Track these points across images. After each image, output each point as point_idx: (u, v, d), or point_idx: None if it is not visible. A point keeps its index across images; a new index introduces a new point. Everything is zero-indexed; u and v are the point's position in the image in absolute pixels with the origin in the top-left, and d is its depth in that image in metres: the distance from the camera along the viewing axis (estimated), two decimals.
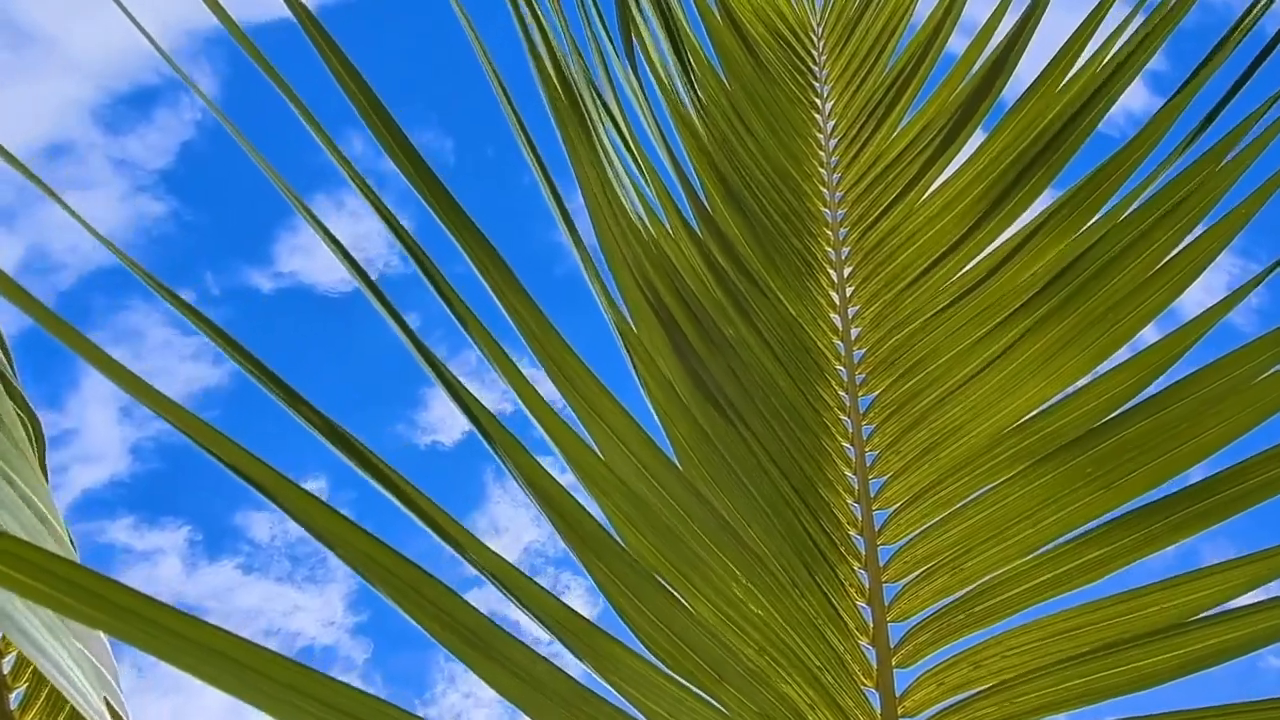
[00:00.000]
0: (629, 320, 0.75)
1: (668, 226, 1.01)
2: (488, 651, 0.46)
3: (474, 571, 0.49)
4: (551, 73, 0.73)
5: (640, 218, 0.94)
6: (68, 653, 0.62)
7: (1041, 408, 1.08)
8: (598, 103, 0.84)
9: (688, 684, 0.70)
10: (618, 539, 0.61)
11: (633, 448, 0.68)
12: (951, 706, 0.93)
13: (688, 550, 0.74)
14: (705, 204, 1.14)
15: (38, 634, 0.56)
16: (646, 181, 0.99)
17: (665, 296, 0.87)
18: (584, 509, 0.57)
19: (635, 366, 0.73)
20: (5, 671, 0.88)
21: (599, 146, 0.79)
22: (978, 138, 1.36)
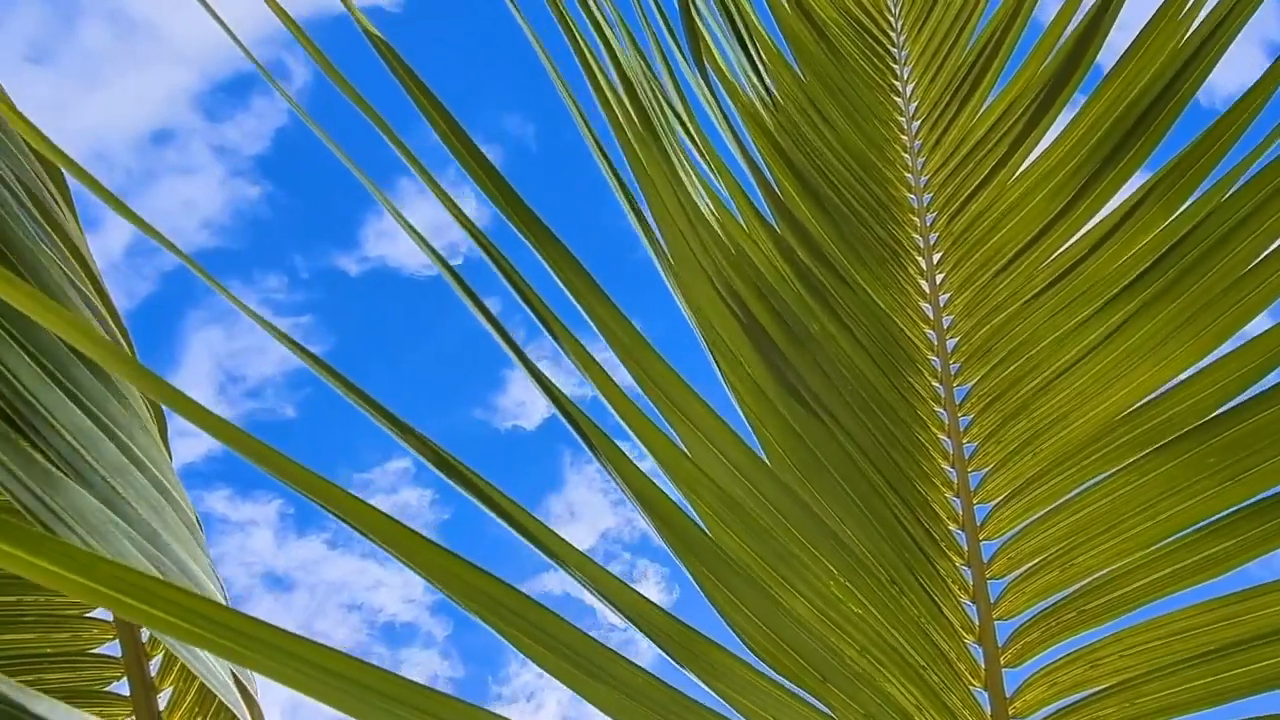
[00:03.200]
0: (710, 324, 0.75)
1: (744, 225, 1.00)
2: (585, 667, 0.46)
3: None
4: (610, 89, 0.73)
5: (716, 219, 0.93)
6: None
7: (1153, 395, 1.02)
8: (665, 110, 0.83)
9: (792, 686, 0.69)
10: (721, 546, 0.61)
11: (722, 448, 0.68)
12: (1066, 708, 0.89)
13: (782, 549, 0.74)
14: (782, 199, 1.12)
15: None
16: (720, 182, 0.98)
17: (746, 297, 0.87)
18: (685, 513, 0.57)
19: (719, 367, 0.72)
20: (152, 674, 0.94)
21: (668, 152, 0.79)
22: (1069, 112, 1.30)
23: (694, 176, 0.83)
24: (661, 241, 0.71)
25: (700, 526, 0.61)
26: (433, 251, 0.52)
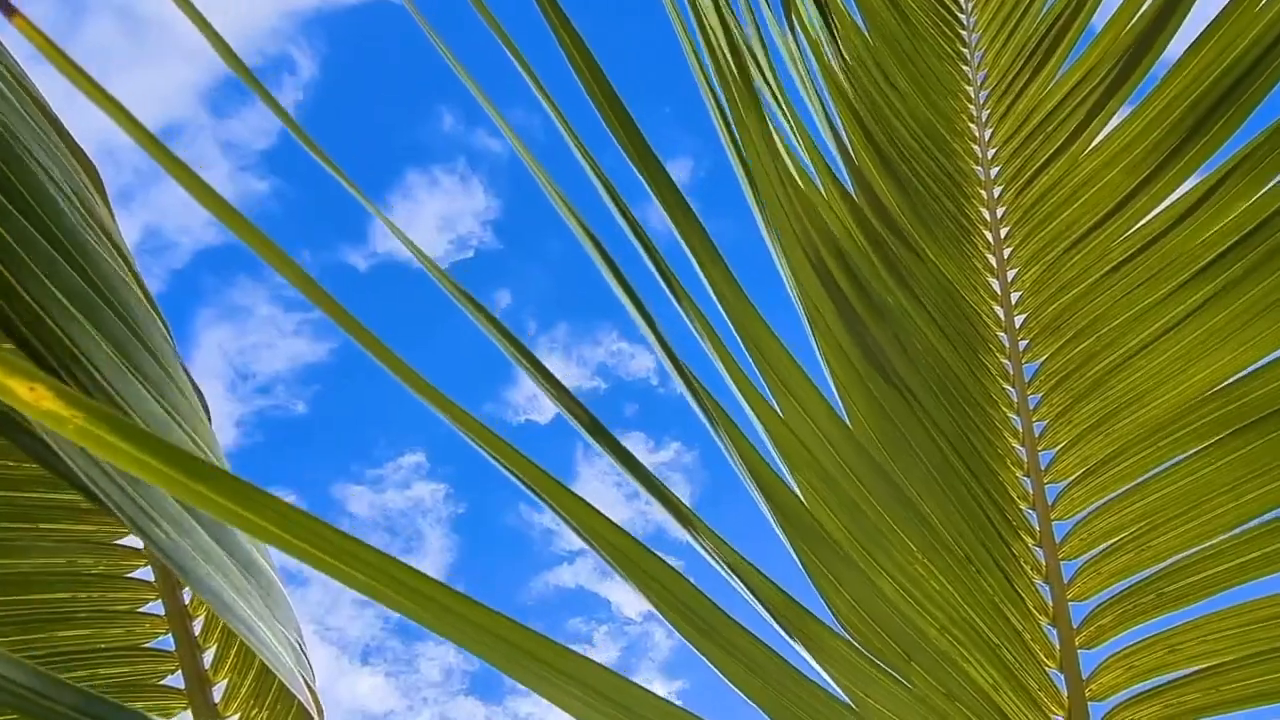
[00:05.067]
0: (805, 291, 0.73)
1: (824, 193, 0.98)
2: (713, 636, 0.45)
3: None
4: (722, 44, 0.71)
5: (801, 184, 0.91)
6: (261, 620, 0.65)
7: (1237, 376, 0.99)
8: (758, 72, 0.81)
9: (881, 663, 0.68)
10: (820, 522, 0.60)
11: (819, 421, 0.66)
12: (1145, 693, 0.88)
13: (872, 526, 0.72)
14: (859, 167, 1.10)
15: (235, 603, 0.59)
16: (803, 150, 0.96)
17: (831, 264, 0.84)
18: (794, 494, 0.56)
19: (816, 339, 0.71)
20: (206, 666, 0.95)
21: (764, 114, 0.77)
22: (1148, 85, 1.25)
23: (780, 141, 0.80)
24: (764, 206, 0.69)
25: (801, 501, 0.60)
26: (539, 168, 0.50)
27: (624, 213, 0.49)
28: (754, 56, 0.78)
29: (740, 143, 0.65)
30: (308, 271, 0.32)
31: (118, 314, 0.58)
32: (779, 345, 0.61)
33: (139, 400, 0.53)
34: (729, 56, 0.70)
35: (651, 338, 0.45)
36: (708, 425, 0.49)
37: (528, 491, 0.34)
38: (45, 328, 0.49)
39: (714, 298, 0.56)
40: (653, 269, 0.50)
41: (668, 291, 0.51)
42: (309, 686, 0.82)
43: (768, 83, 0.80)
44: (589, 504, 0.35)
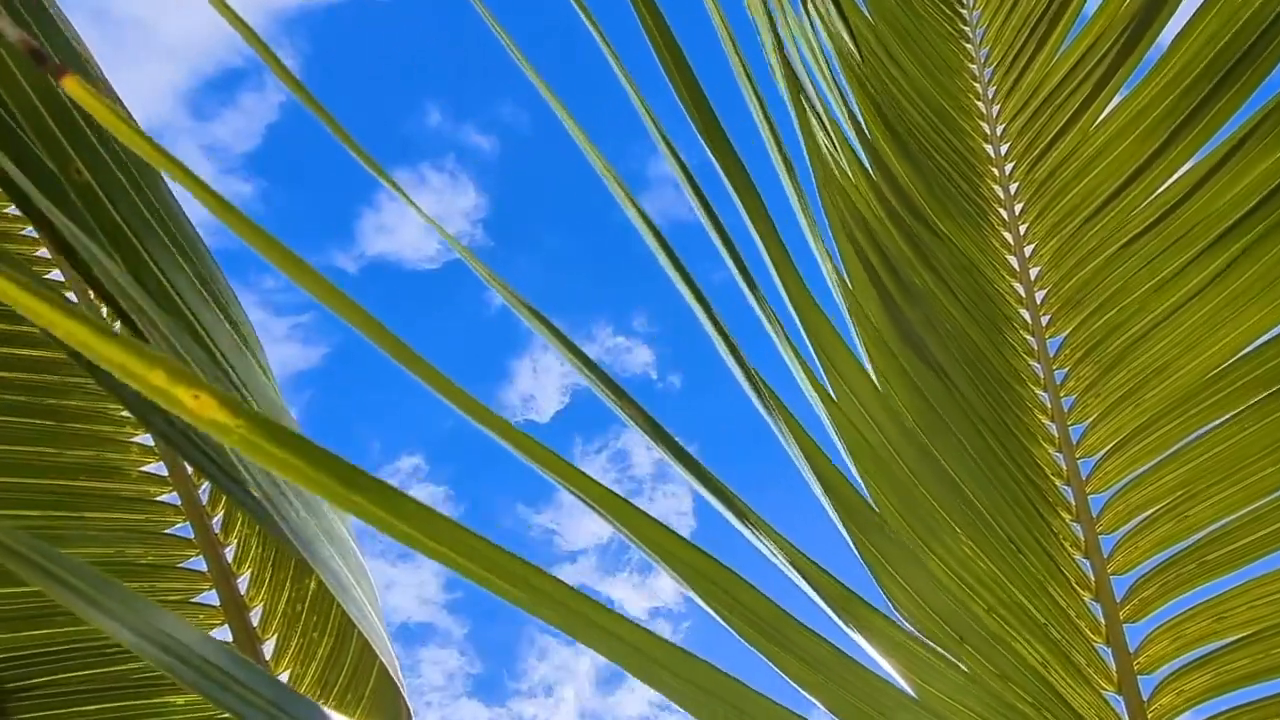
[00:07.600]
0: (847, 278, 0.73)
1: (853, 178, 0.97)
2: (775, 638, 0.45)
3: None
4: (768, 38, 0.70)
5: (834, 173, 0.90)
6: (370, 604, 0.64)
7: (1266, 337, 0.99)
8: (793, 64, 0.80)
9: (937, 648, 0.68)
10: (873, 506, 0.59)
11: (868, 405, 0.66)
12: (1194, 662, 0.87)
13: (922, 509, 0.72)
14: (877, 151, 1.09)
15: (351, 585, 0.59)
16: (833, 136, 0.95)
17: (866, 248, 0.84)
18: (851, 483, 0.55)
19: (854, 326, 0.70)
20: (267, 658, 0.94)
21: (806, 107, 0.76)
22: (1160, 48, 1.25)
23: (816, 128, 0.80)
24: (811, 192, 0.68)
25: (864, 497, 0.59)
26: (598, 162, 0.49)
27: (704, 204, 0.48)
28: (795, 44, 0.77)
29: (777, 130, 0.65)
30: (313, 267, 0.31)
31: (214, 296, 0.58)
32: (833, 331, 0.60)
33: (250, 374, 0.53)
34: (771, 47, 0.70)
35: (716, 336, 0.45)
36: (764, 414, 0.48)
37: (570, 493, 0.34)
38: (177, 307, 0.49)
39: (787, 301, 0.55)
40: (735, 271, 0.49)
41: (745, 289, 0.50)
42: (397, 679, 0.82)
43: (800, 72, 0.79)
44: (663, 523, 0.35)
